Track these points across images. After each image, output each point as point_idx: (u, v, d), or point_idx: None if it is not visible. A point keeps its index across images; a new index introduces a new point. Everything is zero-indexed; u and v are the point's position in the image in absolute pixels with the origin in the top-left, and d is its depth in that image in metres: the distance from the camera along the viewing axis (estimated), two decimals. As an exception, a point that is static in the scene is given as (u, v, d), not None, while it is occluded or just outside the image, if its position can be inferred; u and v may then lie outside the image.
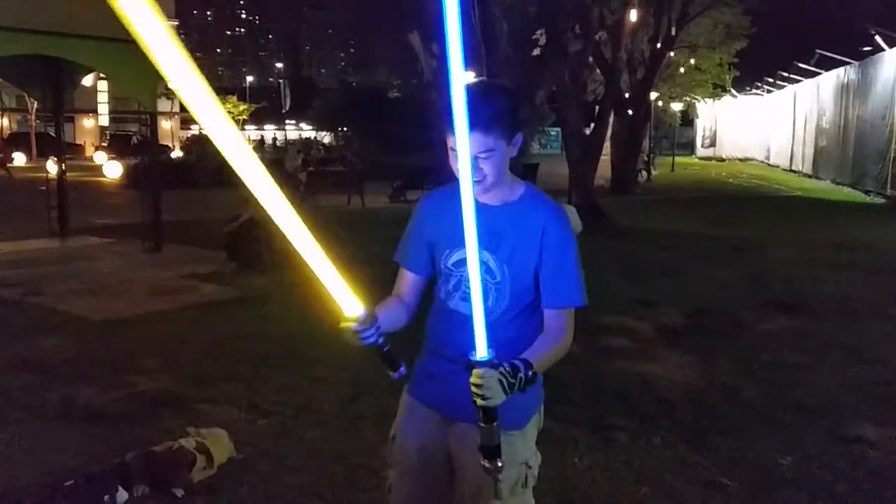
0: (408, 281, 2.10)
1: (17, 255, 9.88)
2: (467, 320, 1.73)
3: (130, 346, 5.89)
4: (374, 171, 20.34)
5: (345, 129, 48.29)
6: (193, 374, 5.14)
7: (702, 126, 45.88)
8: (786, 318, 6.91)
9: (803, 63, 28.56)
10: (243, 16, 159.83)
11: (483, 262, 1.89)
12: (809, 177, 27.78)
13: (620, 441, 4.09)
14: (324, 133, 55.50)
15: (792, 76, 31.02)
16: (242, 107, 48.31)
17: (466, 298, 1.91)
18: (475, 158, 1.83)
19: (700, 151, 45.62)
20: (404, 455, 2.13)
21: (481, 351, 1.67)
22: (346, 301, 1.72)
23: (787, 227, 13.88)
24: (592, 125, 18.33)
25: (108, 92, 44.70)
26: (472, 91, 1.68)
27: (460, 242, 1.73)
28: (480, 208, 1.81)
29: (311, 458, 3.87)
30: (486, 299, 1.74)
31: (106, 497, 3.26)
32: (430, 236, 2.04)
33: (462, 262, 1.94)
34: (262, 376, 5.11)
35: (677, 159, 36.29)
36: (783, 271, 9.25)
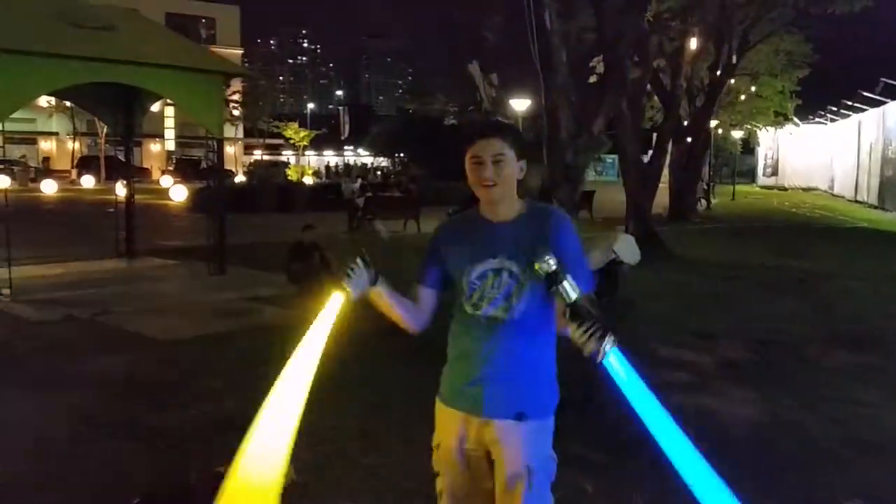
0: (421, 294, 2.33)
1: (87, 276, 10.23)
2: (494, 323, 2.19)
3: (195, 367, 6.04)
4: (430, 196, 20.51)
5: (401, 154, 48.83)
6: (255, 397, 5.22)
7: (763, 154, 45.10)
8: (852, 353, 6.71)
9: (868, 91, 27.90)
10: (305, 45, 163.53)
11: (506, 270, 2.20)
12: (875, 207, 27.01)
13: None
14: (381, 159, 56.25)
15: (856, 105, 30.32)
16: (303, 133, 49.28)
17: (493, 304, 2.21)
18: (492, 163, 2.17)
19: (761, 180, 44.79)
20: (450, 461, 2.30)
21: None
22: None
23: (853, 259, 13.51)
24: (650, 153, 18.20)
25: (175, 117, 46.14)
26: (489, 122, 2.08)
27: (480, 258, 2.21)
28: (496, 226, 2.24)
29: (367, 483, 3.91)
30: (510, 300, 2.18)
31: (172, 516, 3.34)
32: (448, 258, 2.30)
33: (484, 274, 2.22)
34: (321, 399, 5.16)
35: (738, 188, 35.69)
36: (849, 305, 9.00)
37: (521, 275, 2.20)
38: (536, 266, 2.01)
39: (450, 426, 2.29)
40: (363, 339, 5.81)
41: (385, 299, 2.23)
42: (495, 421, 2.21)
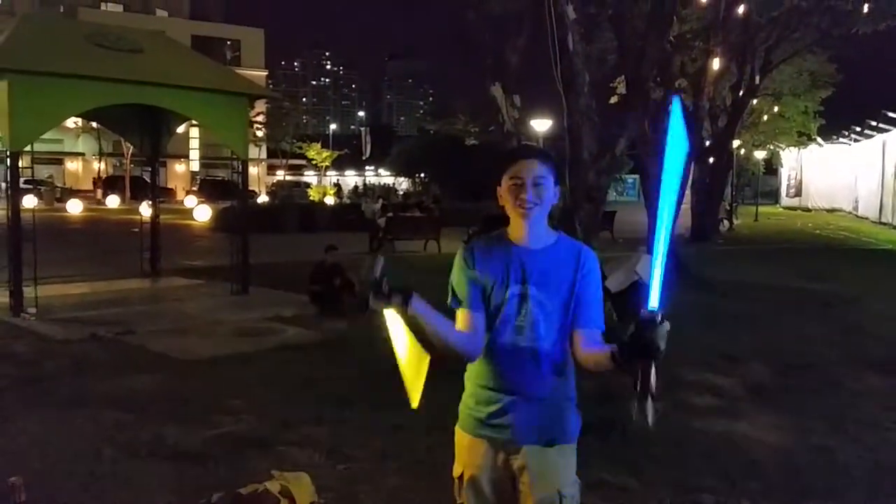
0: (470, 319, 2.21)
1: (112, 295, 10.32)
2: (520, 350, 2.17)
3: (217, 387, 6.06)
4: (451, 216, 20.54)
5: (422, 175, 49.02)
6: (278, 417, 5.25)
7: (786, 175, 44.78)
8: (881, 377, 6.60)
9: (892, 111, 27.65)
10: (328, 66, 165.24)
11: (533, 297, 2.18)
12: (901, 229, 26.67)
13: None
14: (402, 179, 56.51)
15: (880, 125, 30.05)
16: (325, 153, 49.60)
17: (520, 331, 2.18)
18: (532, 185, 2.16)
19: (784, 201, 44.44)
20: (477, 491, 2.26)
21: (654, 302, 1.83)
22: None
23: (878, 281, 13.31)
24: (673, 174, 18.11)
25: (200, 138, 46.67)
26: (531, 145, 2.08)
27: (508, 282, 2.19)
28: (528, 252, 2.21)
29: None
30: (538, 328, 2.17)
31: (194, 536, 3.34)
32: (483, 279, 2.23)
33: (510, 299, 2.19)
34: (343, 421, 5.18)
35: (761, 209, 35.39)
36: (877, 327, 8.86)
37: (548, 304, 2.19)
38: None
39: (475, 455, 2.26)
40: (389, 361, 5.83)
41: (426, 320, 2.05)
42: (524, 448, 2.20)
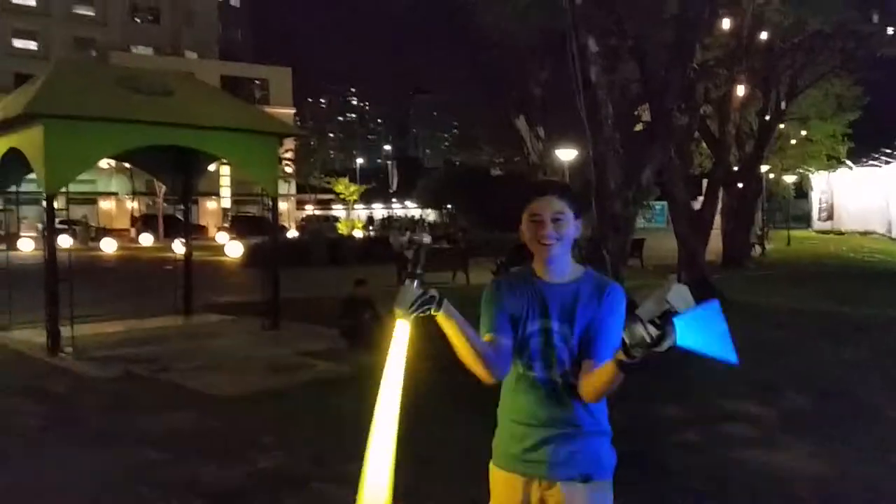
0: (497, 341, 2.20)
1: (146, 333, 10.46)
2: (551, 384, 2.19)
3: (251, 423, 6.10)
4: (478, 247, 20.57)
5: (449, 206, 49.22)
6: (311, 453, 5.27)
7: (817, 198, 44.31)
8: (922, 404, 6.47)
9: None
10: (354, 102, 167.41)
11: (557, 332, 2.19)
12: (936, 250, 26.20)
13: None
14: (428, 210, 56.78)
15: (912, 146, 29.69)
16: (353, 188, 50.13)
17: (548, 365, 2.20)
18: (551, 222, 2.18)
19: (816, 224, 43.93)
20: None
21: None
22: None
23: (917, 304, 13.06)
24: (702, 199, 18.02)
25: (230, 175, 47.36)
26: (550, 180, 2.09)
27: (534, 316, 2.21)
28: (550, 286, 2.23)
29: (428, 542, 3.87)
30: (564, 363, 2.18)
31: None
32: (511, 310, 2.24)
33: (537, 333, 2.21)
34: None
35: (793, 233, 35.00)
36: (916, 353, 8.70)
37: (572, 339, 2.19)
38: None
39: (510, 492, 2.26)
40: (417, 394, 5.84)
41: (456, 322, 2.05)
42: (560, 483, 2.19)
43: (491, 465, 2.34)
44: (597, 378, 2.07)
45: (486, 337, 2.21)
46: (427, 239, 1.95)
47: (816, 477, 4.78)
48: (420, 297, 1.99)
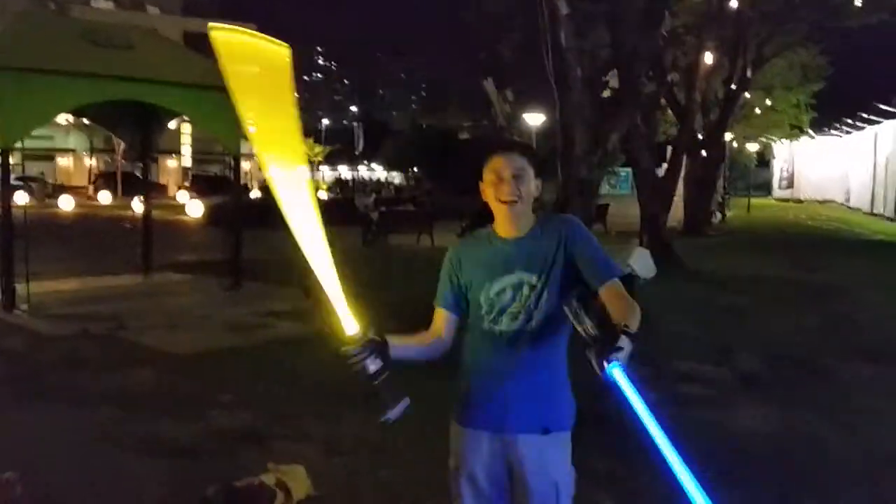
0: (442, 319, 2.33)
1: (103, 291, 10.30)
2: (514, 335, 2.20)
3: (210, 381, 6.06)
4: (444, 210, 20.55)
5: (415, 169, 49.01)
6: (272, 411, 5.26)
7: (779, 167, 44.95)
8: (872, 366, 6.65)
9: (884, 104, 27.77)
10: (320, 61, 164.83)
11: (526, 283, 2.21)
12: (891, 220, 26.80)
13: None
14: (394, 173, 56.50)
15: (872, 117, 30.18)
16: (318, 149, 49.61)
17: (513, 318, 2.21)
18: (512, 179, 2.18)
19: (777, 192, 44.62)
20: (472, 484, 2.27)
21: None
22: (347, 323, 1.98)
23: (870, 271, 13.38)
24: (665, 166, 18.16)
25: (191, 134, 46.49)
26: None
27: (498, 274, 2.22)
28: (511, 242, 2.25)
29: (386, 497, 3.91)
30: (530, 314, 2.19)
31: (189, 529, 3.35)
32: (466, 279, 2.29)
33: (503, 290, 2.22)
34: (338, 414, 5.18)
35: (753, 200, 35.51)
36: (868, 317, 8.93)
37: (540, 286, 2.21)
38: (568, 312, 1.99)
39: (471, 448, 2.28)
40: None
41: (402, 358, 2.14)
42: (520, 436, 2.22)
43: (451, 421, 2.35)
44: (616, 302, 2.12)
45: (436, 311, 2.33)
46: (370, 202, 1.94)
47: (768, 435, 4.90)
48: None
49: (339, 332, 1.99)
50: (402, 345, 2.18)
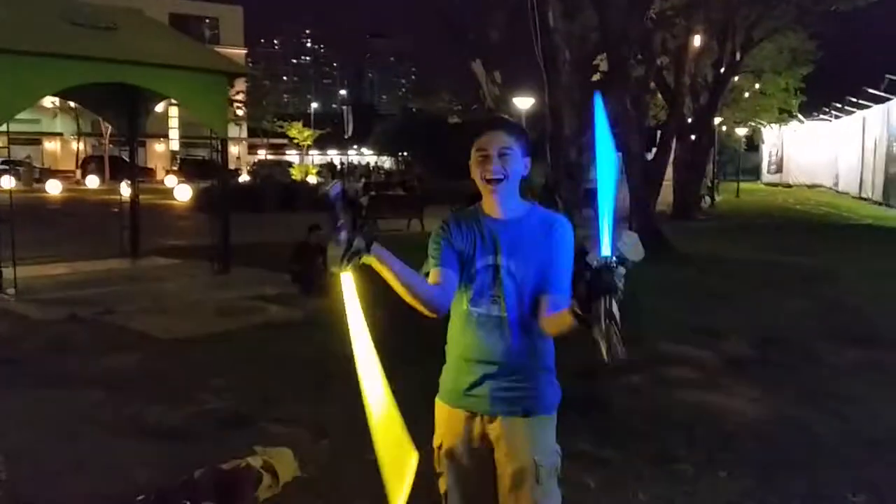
0: (441, 274, 2.20)
1: (91, 275, 10.24)
2: (496, 320, 2.19)
3: (198, 365, 6.05)
4: (434, 195, 20.51)
5: (405, 153, 48.88)
6: (259, 394, 5.26)
7: (768, 151, 45.01)
8: (858, 350, 6.69)
9: (872, 88, 27.83)
10: (308, 44, 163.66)
11: (505, 268, 2.19)
12: (879, 204, 26.92)
13: (684, 475, 4.02)
14: (384, 157, 56.35)
15: (861, 101, 30.25)
16: (307, 132, 49.35)
17: (494, 301, 2.20)
18: (498, 157, 2.17)
19: (766, 177, 44.71)
20: (455, 461, 2.30)
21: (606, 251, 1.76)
22: None
23: (859, 256, 13.45)
24: (654, 150, 18.18)
25: (179, 117, 46.19)
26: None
27: (482, 253, 2.21)
28: (498, 223, 2.23)
29: (374, 479, 3.89)
30: (511, 299, 2.18)
31: (176, 512, 3.35)
32: (458, 247, 2.25)
33: (484, 270, 2.21)
34: (326, 397, 5.19)
35: (742, 185, 35.58)
36: (855, 302, 8.98)
37: (519, 274, 2.20)
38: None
39: (454, 425, 2.29)
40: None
41: (387, 264, 2.01)
42: (501, 418, 2.23)
43: (437, 400, 2.37)
44: (555, 321, 2.08)
45: (433, 270, 2.23)
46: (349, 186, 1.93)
47: (753, 418, 4.94)
48: (346, 249, 1.92)
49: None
50: (401, 263, 2.06)
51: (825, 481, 3.96)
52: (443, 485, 2.34)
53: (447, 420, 2.32)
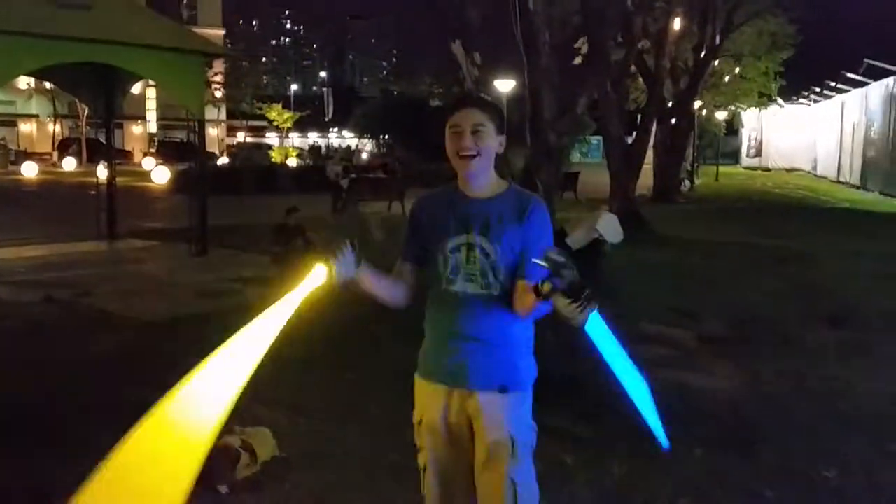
0: (405, 269, 2.36)
1: (68, 257, 10.15)
2: (471, 298, 2.21)
3: (176, 347, 5.99)
4: (415, 178, 20.46)
5: (386, 136, 48.65)
6: (237, 375, 5.22)
7: (747, 135, 45.28)
8: (833, 330, 6.78)
9: (851, 73, 28.03)
10: (288, 25, 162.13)
11: (479, 246, 2.21)
12: (857, 188, 27.22)
13: (660, 451, 4.05)
14: (365, 140, 56.08)
15: (839, 86, 30.47)
16: (287, 115, 48.92)
17: (469, 279, 2.22)
18: (471, 133, 2.17)
19: (745, 161, 45.00)
20: (433, 435, 2.33)
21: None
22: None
23: (835, 238, 13.60)
24: (634, 134, 18.22)
25: (157, 99, 45.66)
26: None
27: (455, 231, 2.23)
28: (472, 201, 2.25)
29: (353, 459, 3.92)
30: (487, 276, 2.20)
31: (152, 492, 3.33)
32: (427, 232, 2.30)
33: (459, 248, 2.23)
34: (305, 380, 5.18)
35: (721, 169, 35.82)
36: (830, 283, 9.08)
37: (493, 253, 2.22)
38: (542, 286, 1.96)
39: (432, 400, 2.32)
40: (351, 322, 5.84)
41: (368, 280, 2.22)
42: (478, 393, 2.25)
43: (416, 377, 2.39)
44: (521, 299, 2.14)
45: (398, 262, 2.35)
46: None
47: (730, 397, 4.99)
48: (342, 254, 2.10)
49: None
50: (376, 270, 2.24)
51: (798, 456, 4.01)
52: (422, 459, 2.38)
53: (426, 395, 2.34)
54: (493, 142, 2.22)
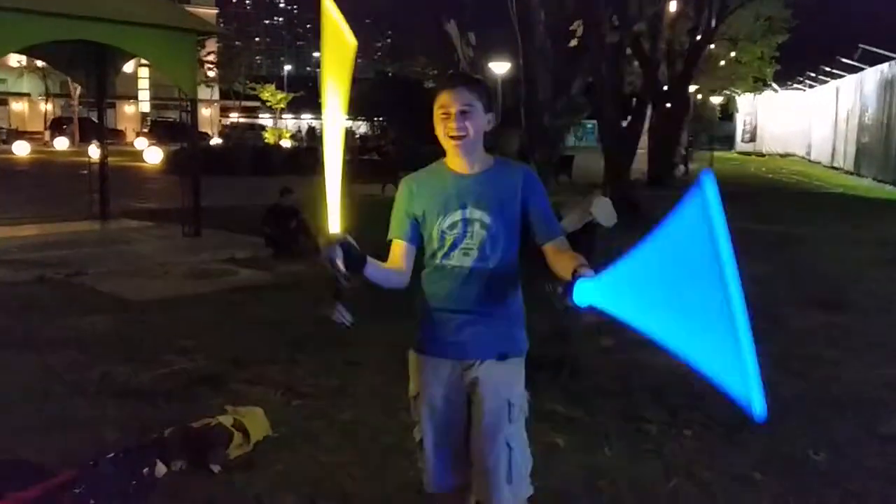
0: (401, 250, 2.34)
1: (61, 237, 10.11)
2: (469, 271, 2.26)
3: (169, 327, 6.01)
4: (410, 159, 20.39)
5: (380, 118, 48.44)
6: (230, 356, 5.24)
7: (742, 120, 45.29)
8: (824, 315, 6.81)
9: (846, 58, 28.01)
10: (281, 5, 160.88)
11: (477, 220, 2.25)
12: (851, 174, 27.26)
13: (651, 433, 4.09)
14: (359, 122, 55.80)
15: (834, 71, 30.44)
16: (280, 95, 48.67)
17: (467, 253, 2.26)
18: (460, 114, 2.19)
19: (739, 146, 45.03)
20: (432, 408, 2.36)
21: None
22: (333, 223, 2.04)
23: (828, 223, 13.64)
24: (629, 118, 18.19)
25: (149, 79, 45.36)
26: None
27: (450, 208, 2.26)
28: (464, 177, 2.28)
29: (346, 439, 3.94)
30: (484, 249, 2.25)
31: (145, 470, 3.35)
32: (420, 210, 2.32)
33: (455, 224, 2.26)
34: (297, 359, 5.19)
35: (716, 154, 35.75)
36: (822, 268, 9.12)
37: (492, 226, 2.26)
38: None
39: (430, 373, 2.35)
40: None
41: (374, 274, 2.18)
42: (478, 362, 2.31)
43: (411, 352, 2.42)
44: (561, 261, 2.13)
45: (395, 244, 2.34)
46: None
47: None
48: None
49: (324, 231, 2.05)
50: (377, 264, 2.22)
51: (788, 439, 4.04)
52: (418, 433, 2.41)
53: (424, 369, 2.37)
54: (482, 121, 2.26)
